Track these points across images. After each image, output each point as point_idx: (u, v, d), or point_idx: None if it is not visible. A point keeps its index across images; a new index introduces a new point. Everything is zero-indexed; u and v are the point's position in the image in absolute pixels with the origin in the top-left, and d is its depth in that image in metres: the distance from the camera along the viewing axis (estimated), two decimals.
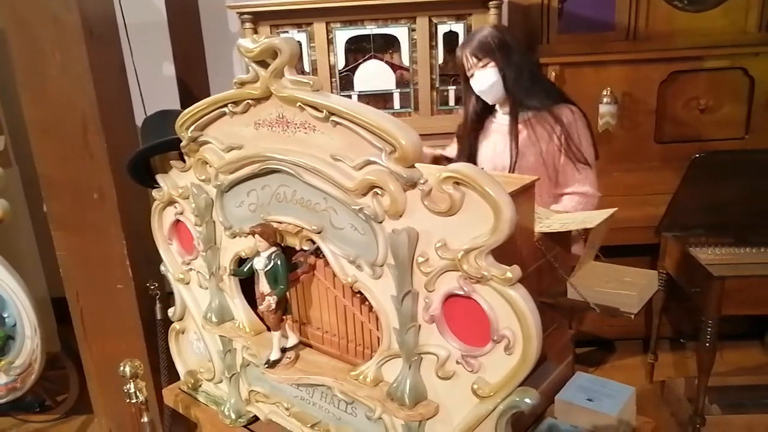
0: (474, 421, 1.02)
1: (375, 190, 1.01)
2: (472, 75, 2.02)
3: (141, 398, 1.43)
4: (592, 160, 2.02)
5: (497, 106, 2.10)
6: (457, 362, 1.01)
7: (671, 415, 2.61)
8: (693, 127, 2.90)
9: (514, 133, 2.01)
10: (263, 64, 1.07)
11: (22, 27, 2.01)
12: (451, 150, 2.27)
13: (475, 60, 1.99)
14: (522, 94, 2.00)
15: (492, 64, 1.98)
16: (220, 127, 1.23)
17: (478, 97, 2.07)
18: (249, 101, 1.13)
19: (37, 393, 2.79)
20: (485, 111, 2.12)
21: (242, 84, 1.12)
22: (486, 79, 1.99)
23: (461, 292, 0.96)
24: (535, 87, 2.02)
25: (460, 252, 0.93)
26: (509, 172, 2.00)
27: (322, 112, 1.02)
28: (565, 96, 2.08)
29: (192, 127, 1.26)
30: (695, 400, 2.32)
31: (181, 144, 1.30)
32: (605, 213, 1.35)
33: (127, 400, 1.44)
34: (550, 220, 1.32)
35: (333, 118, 1.01)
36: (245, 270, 1.26)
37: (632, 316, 1.19)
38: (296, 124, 1.09)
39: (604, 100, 2.75)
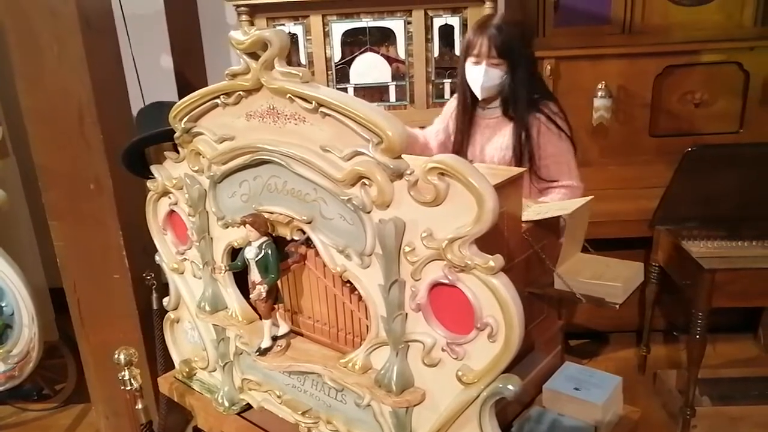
0: (459, 407, 1.04)
1: (363, 180, 1.02)
2: (477, 63, 1.92)
3: (135, 385, 1.46)
4: (567, 154, 1.97)
5: (481, 102, 2.03)
6: (443, 350, 1.03)
7: (662, 406, 2.63)
8: (688, 121, 2.91)
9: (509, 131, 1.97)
10: (254, 56, 1.09)
11: (20, 18, 2.02)
12: (432, 129, 2.21)
13: (493, 52, 1.88)
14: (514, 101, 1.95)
15: (504, 66, 1.90)
16: (213, 119, 1.25)
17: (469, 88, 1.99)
18: (240, 93, 1.15)
19: (35, 381, 2.82)
20: (474, 104, 2.05)
21: (234, 75, 1.14)
22: (489, 77, 1.91)
23: (446, 281, 0.98)
24: (521, 92, 1.94)
25: (445, 241, 0.95)
26: None
27: (311, 103, 1.03)
28: (540, 99, 1.98)
29: (185, 119, 1.27)
30: (686, 391, 2.35)
31: (175, 135, 1.32)
32: (581, 201, 1.36)
33: (122, 388, 1.47)
34: (529, 210, 1.34)
35: (322, 109, 1.02)
36: (239, 264, 1.28)
37: (617, 306, 1.21)
38: (286, 115, 1.10)
39: (599, 93, 2.77)
